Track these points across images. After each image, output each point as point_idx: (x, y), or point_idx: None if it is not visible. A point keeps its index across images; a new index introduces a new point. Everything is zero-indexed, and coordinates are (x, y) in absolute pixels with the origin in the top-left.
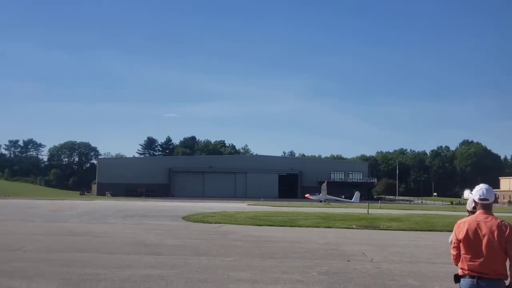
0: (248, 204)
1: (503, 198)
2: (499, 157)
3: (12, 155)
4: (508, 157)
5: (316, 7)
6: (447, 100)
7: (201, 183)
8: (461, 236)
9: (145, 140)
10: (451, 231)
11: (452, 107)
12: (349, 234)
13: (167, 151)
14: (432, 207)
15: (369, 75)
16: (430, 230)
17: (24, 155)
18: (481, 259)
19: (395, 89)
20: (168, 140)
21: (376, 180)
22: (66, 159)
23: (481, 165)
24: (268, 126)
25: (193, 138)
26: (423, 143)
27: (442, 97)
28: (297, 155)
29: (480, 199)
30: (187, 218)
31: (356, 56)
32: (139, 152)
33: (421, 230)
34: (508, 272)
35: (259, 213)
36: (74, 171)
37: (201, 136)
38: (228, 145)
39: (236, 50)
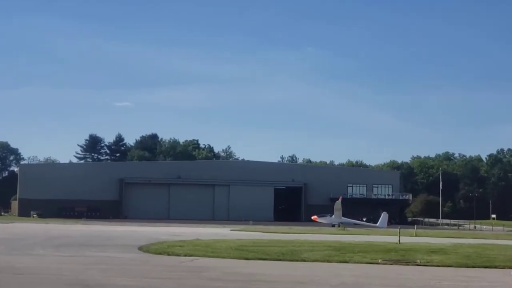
0: (232, 230)
1: None
2: None
3: None
4: None
5: None
6: (510, 87)
7: (166, 200)
8: None
9: (86, 140)
10: None
11: None
12: (372, 272)
13: (118, 154)
14: (490, 234)
15: (401, 52)
16: (486, 267)
17: None
18: None
19: (437, 72)
20: (119, 139)
21: (411, 197)
22: None
23: None
24: (259, 121)
25: (155, 136)
26: (477, 145)
27: (503, 83)
28: (300, 161)
29: None
30: (145, 248)
31: (381, 25)
32: (78, 156)
33: (473, 267)
34: None
35: (247, 242)
36: None
37: (166, 134)
38: (203, 146)
39: (215, 17)
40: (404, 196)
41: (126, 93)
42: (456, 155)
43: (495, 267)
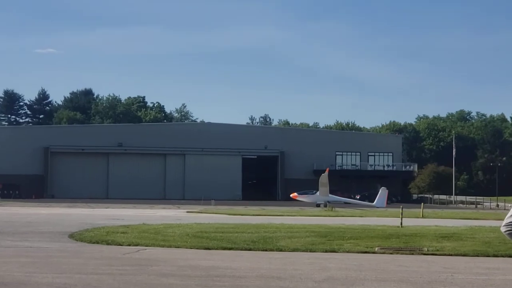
0: (188, 211)
1: None
2: None
3: None
4: None
5: None
6: None
7: (104, 174)
8: None
9: (0, 97)
10: None
11: None
12: (367, 263)
13: (42, 116)
14: None
15: None
16: (511, 256)
17: None
18: None
19: (450, 7)
20: (43, 96)
21: (416, 168)
22: None
23: None
24: (222, 72)
25: (89, 92)
26: (500, 101)
27: None
28: (275, 123)
29: None
30: (78, 236)
31: None
32: None
33: (495, 256)
34: None
35: (208, 227)
36: None
37: (103, 90)
38: (151, 105)
39: None
40: (408, 167)
41: (50, 37)
42: (474, 114)
43: None
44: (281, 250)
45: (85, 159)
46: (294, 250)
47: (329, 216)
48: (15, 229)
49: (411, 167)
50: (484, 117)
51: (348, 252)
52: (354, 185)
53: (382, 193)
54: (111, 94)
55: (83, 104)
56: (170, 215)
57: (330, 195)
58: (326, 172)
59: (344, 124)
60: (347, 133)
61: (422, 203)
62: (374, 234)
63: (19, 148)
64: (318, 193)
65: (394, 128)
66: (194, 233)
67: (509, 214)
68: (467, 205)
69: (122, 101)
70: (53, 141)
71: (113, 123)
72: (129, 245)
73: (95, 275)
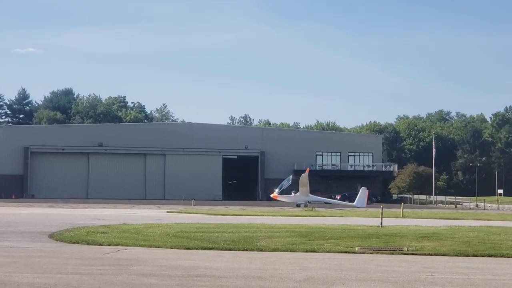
0: (169, 211)
1: None
2: None
3: None
4: None
5: None
6: None
7: (84, 174)
8: None
9: None
10: None
11: None
12: (347, 263)
13: (21, 115)
14: (495, 214)
15: None
16: (490, 255)
17: None
18: None
19: (430, 7)
20: (23, 96)
21: (396, 168)
22: None
23: None
24: (202, 72)
25: (69, 92)
26: (480, 101)
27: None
28: (255, 123)
29: None
30: (58, 236)
31: None
32: None
33: (474, 255)
34: None
35: (188, 227)
36: None
37: (83, 89)
38: (132, 104)
39: None
40: (388, 167)
41: (31, 36)
42: (453, 114)
43: (502, 255)
44: (261, 250)
45: (65, 159)
46: (274, 250)
47: (310, 216)
48: None
49: (391, 167)
50: (463, 118)
51: (328, 252)
52: (335, 185)
53: (362, 193)
54: (92, 94)
55: (63, 104)
56: (150, 215)
57: (310, 195)
58: (307, 172)
59: (324, 124)
60: (327, 133)
61: (402, 203)
62: (354, 234)
63: None
64: (298, 193)
65: (375, 128)
66: (175, 233)
67: None
68: (447, 205)
69: (103, 101)
70: (33, 141)
71: (93, 123)
72: (110, 245)
73: (75, 275)
